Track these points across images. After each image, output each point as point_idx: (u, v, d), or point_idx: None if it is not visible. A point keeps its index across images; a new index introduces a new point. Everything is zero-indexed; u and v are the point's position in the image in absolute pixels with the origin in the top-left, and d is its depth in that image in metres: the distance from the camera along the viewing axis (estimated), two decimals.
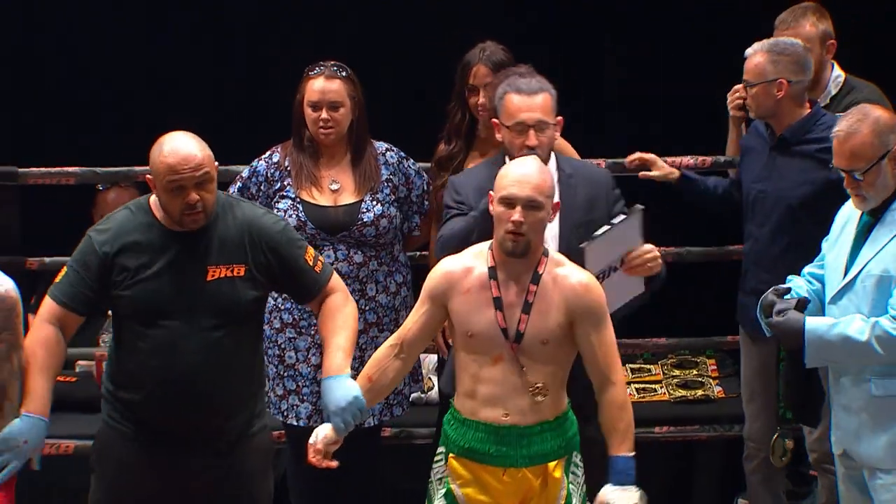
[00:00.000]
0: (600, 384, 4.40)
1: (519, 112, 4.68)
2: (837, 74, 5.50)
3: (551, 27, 6.97)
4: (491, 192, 4.43)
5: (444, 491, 4.46)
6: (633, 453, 4.36)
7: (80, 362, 6.22)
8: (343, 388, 4.31)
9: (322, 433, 4.33)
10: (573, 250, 4.57)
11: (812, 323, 4.48)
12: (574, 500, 4.45)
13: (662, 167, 5.65)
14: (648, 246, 4.67)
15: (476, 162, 5.32)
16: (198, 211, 4.34)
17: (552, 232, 4.61)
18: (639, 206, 4.67)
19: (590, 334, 4.37)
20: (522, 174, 4.37)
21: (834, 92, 5.40)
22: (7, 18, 6.92)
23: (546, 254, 4.42)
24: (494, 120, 4.77)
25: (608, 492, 4.32)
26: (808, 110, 5.20)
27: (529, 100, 4.68)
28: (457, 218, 4.76)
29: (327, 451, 4.34)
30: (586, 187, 4.78)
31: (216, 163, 4.37)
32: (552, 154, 4.78)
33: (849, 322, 4.44)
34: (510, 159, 4.60)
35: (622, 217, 4.65)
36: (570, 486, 4.44)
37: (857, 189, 4.46)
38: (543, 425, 4.38)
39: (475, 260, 4.44)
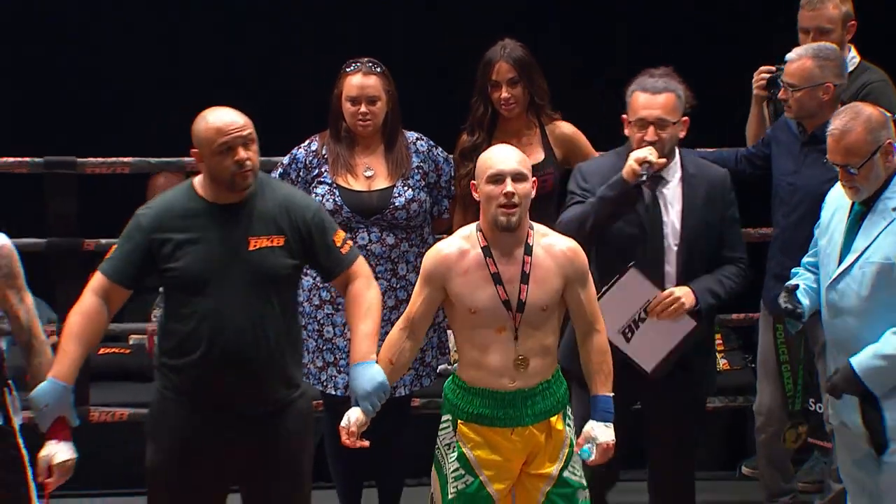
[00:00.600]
0: (586, 332, 4.54)
1: (641, 109, 4.75)
2: (853, 56, 5.51)
3: (561, 19, 7.02)
4: (474, 182, 4.54)
5: (455, 455, 4.58)
6: (612, 394, 4.52)
7: (134, 336, 6.43)
8: (370, 374, 4.43)
9: (353, 417, 4.44)
10: (690, 246, 4.75)
11: (857, 360, 4.52)
12: (573, 445, 4.59)
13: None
14: (665, 292, 4.77)
15: None
16: (247, 169, 4.42)
17: (673, 228, 4.79)
18: (629, 265, 4.75)
19: (579, 293, 4.51)
20: (503, 154, 4.51)
21: (850, 68, 5.39)
22: (65, 16, 7.04)
23: (532, 226, 4.54)
24: (623, 116, 4.84)
25: (595, 426, 4.49)
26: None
27: (652, 98, 4.74)
28: (575, 205, 4.84)
29: (358, 432, 4.46)
30: (706, 187, 4.84)
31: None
32: (676, 151, 4.86)
33: (887, 341, 4.49)
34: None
35: (616, 277, 4.74)
36: (569, 434, 4.59)
37: (852, 182, 4.53)
38: (543, 384, 4.52)
39: (466, 242, 4.54)
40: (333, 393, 5.39)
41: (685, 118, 4.78)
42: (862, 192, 4.54)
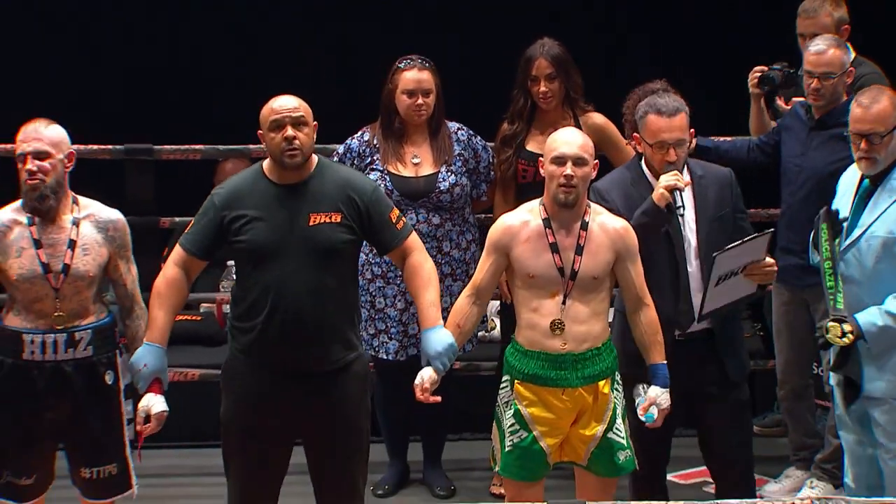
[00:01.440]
0: (636, 306, 4.68)
1: (660, 133, 4.73)
2: (849, 52, 5.49)
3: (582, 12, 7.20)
4: (541, 160, 4.67)
5: (512, 412, 4.68)
6: (665, 361, 4.68)
7: (204, 305, 6.66)
8: (439, 337, 4.55)
9: (426, 375, 4.54)
10: (709, 241, 4.77)
11: (862, 316, 4.59)
12: (618, 409, 4.69)
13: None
14: (770, 260, 4.79)
15: (535, 139, 5.62)
16: (295, 147, 4.53)
17: (690, 228, 4.81)
18: (768, 231, 4.78)
19: (628, 268, 4.65)
20: (569, 138, 4.64)
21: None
22: (151, 14, 7.23)
23: (589, 205, 4.68)
24: (636, 134, 4.83)
25: (658, 392, 4.64)
26: (846, 97, 5.31)
27: (669, 121, 4.73)
28: None
29: (431, 389, 4.56)
30: (715, 186, 4.85)
31: (315, 122, 4.59)
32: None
33: (891, 303, 4.56)
34: (648, 169, 4.81)
35: (754, 236, 4.73)
36: (615, 400, 4.71)
37: (871, 152, 4.61)
38: (593, 351, 4.64)
39: (529, 215, 4.67)
40: (385, 357, 5.64)
41: (692, 130, 4.82)
42: (878, 164, 4.63)
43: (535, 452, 4.67)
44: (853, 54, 5.52)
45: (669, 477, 5.71)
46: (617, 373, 4.71)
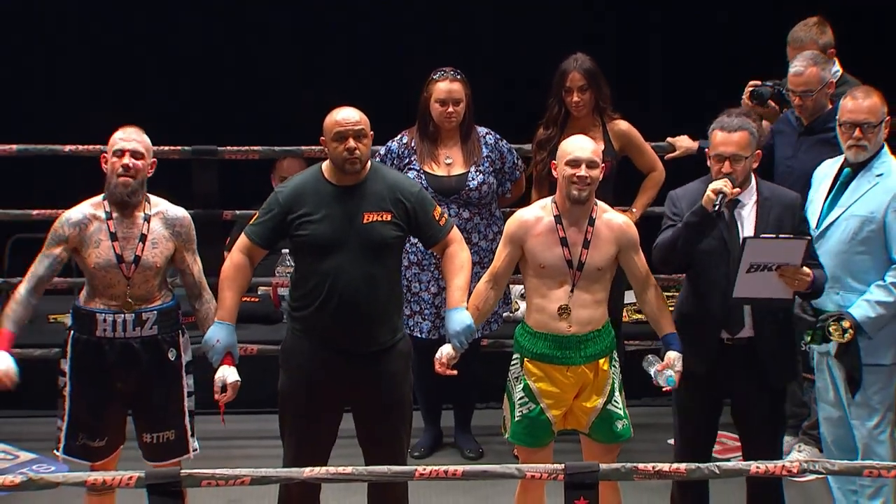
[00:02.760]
0: (643, 287, 4.84)
1: (719, 146, 4.84)
2: (836, 69, 5.88)
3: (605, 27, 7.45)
4: (554, 163, 4.80)
5: (521, 386, 4.84)
6: (675, 331, 4.82)
7: (261, 288, 6.90)
8: (461, 318, 4.74)
9: (445, 351, 4.75)
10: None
11: (856, 311, 4.78)
12: (615, 384, 4.85)
13: (681, 145, 6.11)
14: (805, 269, 4.77)
15: None
16: (355, 157, 4.68)
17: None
18: (807, 237, 4.80)
19: (633, 257, 4.84)
20: (582, 143, 4.82)
21: (835, 79, 5.67)
22: (211, 20, 7.43)
23: (596, 203, 4.83)
24: (707, 150, 4.92)
25: (675, 357, 4.77)
26: (830, 106, 5.51)
27: (728, 136, 4.83)
28: (669, 229, 4.91)
29: (449, 364, 4.77)
30: (778, 208, 4.87)
31: (371, 133, 4.76)
32: (752, 178, 4.91)
33: (877, 293, 4.76)
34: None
35: (791, 236, 4.76)
36: (614, 375, 4.87)
37: (861, 140, 4.83)
38: (594, 332, 4.83)
39: (542, 211, 4.82)
40: (419, 336, 5.91)
41: (758, 151, 4.89)
42: (867, 151, 4.86)
43: (542, 422, 4.83)
44: (840, 71, 5.77)
45: (671, 442, 5.68)
46: (615, 351, 4.87)
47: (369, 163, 4.80)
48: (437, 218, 4.82)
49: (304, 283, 4.77)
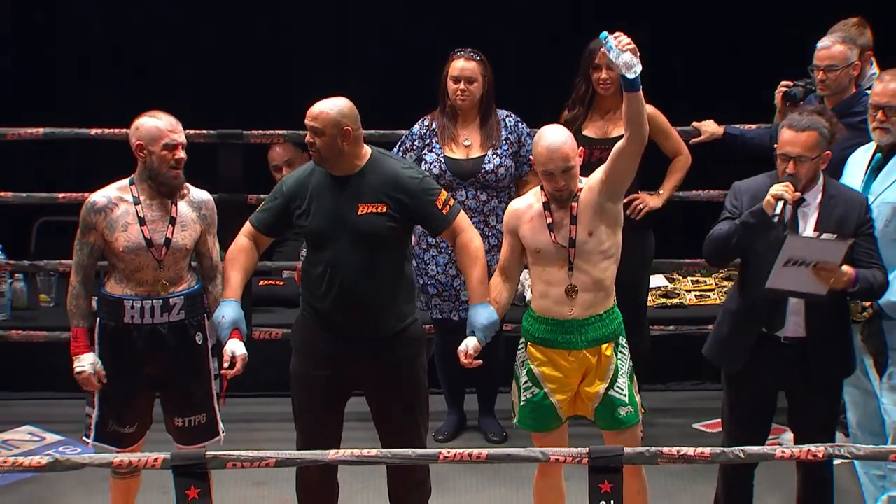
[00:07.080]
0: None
1: (785, 145, 4.73)
2: (874, 71, 5.79)
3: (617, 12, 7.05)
4: (533, 159, 4.77)
5: (526, 370, 4.88)
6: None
7: (286, 271, 6.86)
8: (486, 313, 4.78)
9: (470, 344, 4.76)
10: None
11: (884, 303, 4.78)
12: (621, 370, 4.83)
13: (706, 130, 6.13)
14: (844, 268, 4.68)
15: (593, 124, 5.91)
16: (315, 149, 4.74)
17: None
18: (850, 239, 4.70)
19: (602, 169, 4.76)
20: (553, 153, 4.71)
21: (873, 81, 5.34)
22: (247, 16, 7.41)
23: (581, 181, 4.80)
24: (775, 145, 4.81)
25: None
26: (854, 90, 5.52)
27: (796, 136, 4.71)
28: (725, 221, 4.82)
29: (474, 355, 4.78)
30: (843, 208, 4.77)
31: (342, 130, 4.68)
32: (821, 177, 4.81)
33: None
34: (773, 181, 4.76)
35: (833, 237, 4.68)
36: (618, 361, 4.85)
37: (885, 123, 4.83)
38: (596, 317, 4.82)
39: (533, 198, 4.83)
40: (439, 316, 6.00)
41: (827, 152, 4.75)
42: (892, 135, 4.85)
43: (546, 407, 4.86)
44: (877, 71, 5.67)
45: (696, 426, 6.20)
46: (622, 337, 4.85)
47: (369, 152, 4.84)
48: (440, 207, 4.84)
49: (310, 272, 4.86)
